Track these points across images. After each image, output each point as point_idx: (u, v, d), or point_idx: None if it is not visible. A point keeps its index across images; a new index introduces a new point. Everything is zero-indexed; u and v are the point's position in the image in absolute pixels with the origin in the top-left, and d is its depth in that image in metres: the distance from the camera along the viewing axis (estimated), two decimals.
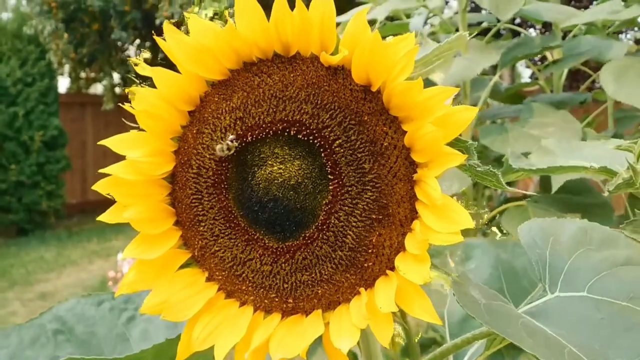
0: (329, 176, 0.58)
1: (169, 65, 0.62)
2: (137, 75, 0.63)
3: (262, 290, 0.62)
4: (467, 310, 0.59)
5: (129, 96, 0.60)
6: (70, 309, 0.92)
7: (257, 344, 0.58)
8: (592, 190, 1.89)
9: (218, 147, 0.60)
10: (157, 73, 0.60)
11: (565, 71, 2.55)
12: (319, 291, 0.60)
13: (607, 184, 1.03)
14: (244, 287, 0.63)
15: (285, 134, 0.59)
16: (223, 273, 0.63)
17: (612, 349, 0.65)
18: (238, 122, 0.60)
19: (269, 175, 0.59)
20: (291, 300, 0.61)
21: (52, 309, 0.93)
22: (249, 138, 0.60)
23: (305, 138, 0.58)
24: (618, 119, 2.29)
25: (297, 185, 0.59)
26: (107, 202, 0.61)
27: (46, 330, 0.90)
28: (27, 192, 9.80)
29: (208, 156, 0.62)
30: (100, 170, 0.60)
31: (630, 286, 0.72)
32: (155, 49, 13.09)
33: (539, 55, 2.60)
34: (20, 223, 9.80)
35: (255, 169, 0.60)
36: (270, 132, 0.59)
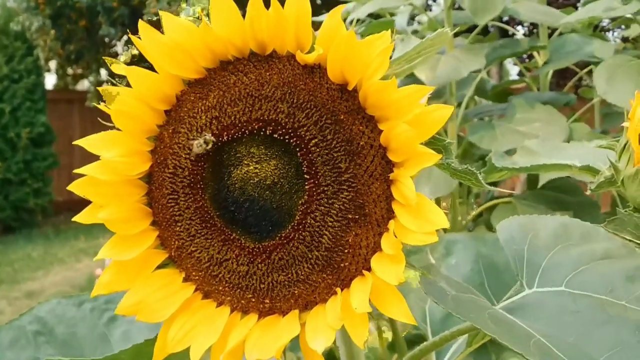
0: (305, 176, 0.58)
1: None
2: (114, 75, 0.63)
3: (238, 290, 0.61)
4: (431, 297, 0.60)
5: (104, 96, 0.59)
6: (51, 310, 0.91)
7: (232, 345, 0.58)
8: (580, 189, 1.90)
9: (195, 142, 0.60)
10: (132, 72, 0.59)
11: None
12: (296, 291, 0.60)
13: (589, 183, 1.04)
14: (220, 288, 0.62)
15: (261, 133, 0.59)
16: (200, 273, 0.63)
17: (588, 341, 0.65)
18: (214, 121, 0.60)
19: (245, 175, 0.59)
20: (268, 301, 0.61)
21: (32, 310, 0.92)
22: (225, 137, 0.59)
23: (281, 137, 0.58)
24: (604, 115, 2.30)
25: (273, 185, 0.58)
26: None
27: (26, 331, 0.89)
28: (13, 189, 9.74)
29: (184, 156, 0.61)
30: (75, 171, 0.60)
31: (609, 279, 0.72)
32: None
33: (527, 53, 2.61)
34: (6, 221, 9.73)
35: (232, 169, 0.60)
36: (246, 131, 0.59)
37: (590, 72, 2.71)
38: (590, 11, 1.82)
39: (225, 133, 0.59)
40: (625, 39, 2.92)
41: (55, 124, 10.72)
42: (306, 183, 0.58)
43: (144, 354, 0.67)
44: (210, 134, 0.59)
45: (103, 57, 0.65)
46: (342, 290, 0.58)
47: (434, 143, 0.59)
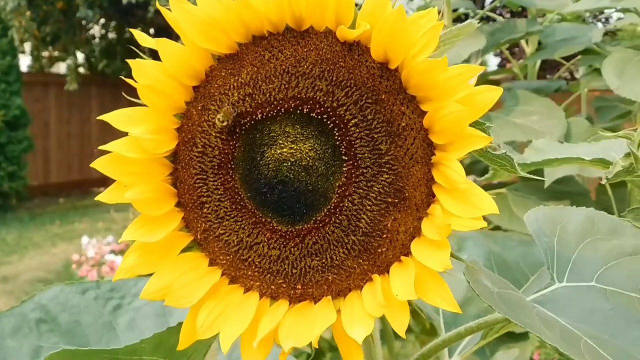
0: (343, 157, 0.56)
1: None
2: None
3: (269, 275, 0.59)
4: (483, 299, 0.58)
5: (133, 69, 0.56)
6: (54, 297, 0.87)
7: (266, 332, 0.55)
8: (571, 179, 1.90)
9: (217, 116, 0.57)
10: (162, 45, 0.56)
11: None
12: (329, 277, 0.58)
13: (605, 172, 1.03)
14: (249, 273, 0.60)
15: (298, 112, 0.56)
16: (227, 257, 0.60)
17: (623, 340, 0.64)
18: (247, 98, 0.57)
19: (280, 155, 0.56)
20: (299, 287, 0.59)
21: (33, 297, 0.89)
22: (259, 115, 0.57)
23: (319, 117, 0.56)
24: (597, 108, 2.30)
25: (309, 167, 0.56)
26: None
27: (28, 319, 0.86)
28: None
29: (214, 134, 0.58)
30: (101, 147, 0.56)
31: (638, 277, 0.71)
32: (120, 28, 12.84)
33: (508, 45, 2.60)
34: None
35: (265, 149, 0.57)
36: (282, 109, 0.56)
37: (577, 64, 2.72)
38: (600, 1, 1.81)
39: (260, 111, 0.57)
40: (606, 33, 2.93)
41: (31, 106, 10.53)
42: (344, 165, 0.56)
43: (166, 342, 0.64)
44: (230, 106, 0.57)
45: (128, 29, 0.62)
46: (379, 276, 0.56)
47: (473, 126, 0.57)
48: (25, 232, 8.38)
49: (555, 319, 0.63)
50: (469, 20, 0.68)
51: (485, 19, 3.25)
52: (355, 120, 0.55)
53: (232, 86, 0.58)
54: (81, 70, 12.34)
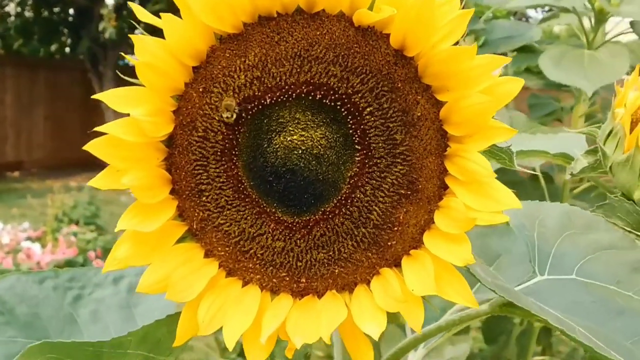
0: (356, 146, 0.54)
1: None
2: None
3: (271, 268, 0.56)
4: (492, 288, 0.58)
5: (136, 45, 0.52)
6: (10, 287, 0.81)
7: (274, 328, 0.53)
8: (509, 171, 1.94)
9: (222, 113, 0.54)
10: (168, 20, 0.52)
11: None
12: (336, 270, 0.56)
13: (568, 168, 1.05)
14: (250, 265, 0.57)
15: (310, 97, 0.54)
16: (226, 249, 0.57)
17: (606, 331, 0.65)
18: (255, 81, 0.54)
19: (290, 142, 0.53)
20: (304, 280, 0.56)
21: None
22: (268, 100, 0.54)
23: (332, 103, 0.53)
24: (531, 105, 2.37)
25: (320, 155, 0.54)
26: None
27: None
28: None
29: (217, 118, 0.55)
30: (97, 128, 0.52)
31: (615, 270, 0.73)
32: (38, 7, 12.26)
33: None
34: None
35: (273, 135, 0.54)
36: (293, 94, 0.53)
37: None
38: None
39: (269, 95, 0.54)
40: None
41: None
42: (357, 154, 0.54)
43: (152, 336, 0.61)
44: (232, 100, 0.54)
45: (128, 2, 0.57)
46: (389, 269, 0.54)
47: None
48: None
49: (546, 308, 0.63)
50: None
51: None
52: (371, 108, 0.53)
53: (238, 68, 0.54)
54: None
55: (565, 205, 0.82)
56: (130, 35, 0.53)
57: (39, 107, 11.92)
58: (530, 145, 1.13)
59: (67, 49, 13.63)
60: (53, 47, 13.18)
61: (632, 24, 2.17)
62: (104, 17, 10.81)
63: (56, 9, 12.39)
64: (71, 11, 11.67)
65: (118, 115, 0.53)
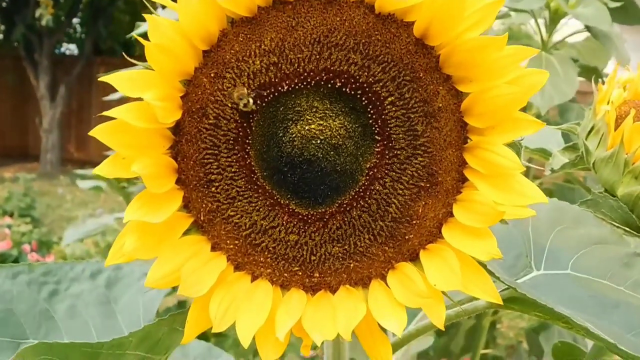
0: (376, 137, 0.52)
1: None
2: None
3: (283, 262, 0.54)
4: (503, 280, 0.57)
5: (150, 25, 0.49)
6: None
7: (290, 324, 0.50)
8: None
9: (236, 93, 0.52)
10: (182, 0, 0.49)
11: None
12: (351, 265, 0.54)
13: (549, 163, 1.06)
14: (261, 259, 0.54)
15: (329, 85, 0.52)
16: (236, 242, 0.54)
17: (606, 324, 0.66)
18: (272, 67, 0.51)
19: (308, 132, 0.51)
20: (317, 275, 0.54)
21: None
22: (285, 87, 0.51)
23: (352, 92, 0.51)
24: None
25: (339, 146, 0.52)
26: None
27: None
28: None
29: (230, 105, 0.52)
30: (105, 113, 0.49)
31: (607, 264, 0.74)
32: None
33: None
34: None
35: (289, 124, 0.52)
36: (312, 82, 0.51)
37: None
38: None
39: (287, 82, 0.51)
40: None
41: None
42: (376, 145, 0.52)
43: (152, 336, 0.58)
44: (245, 90, 0.51)
45: None
46: (409, 264, 0.53)
47: None
48: None
49: (560, 307, 0.63)
50: None
51: None
52: (392, 98, 0.51)
53: (253, 53, 0.52)
54: None
55: (554, 200, 0.82)
56: (144, 15, 0.50)
57: None
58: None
59: (0, 36, 13.12)
60: None
61: (587, 27, 2.21)
62: (40, 4, 10.46)
63: None
64: None
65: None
